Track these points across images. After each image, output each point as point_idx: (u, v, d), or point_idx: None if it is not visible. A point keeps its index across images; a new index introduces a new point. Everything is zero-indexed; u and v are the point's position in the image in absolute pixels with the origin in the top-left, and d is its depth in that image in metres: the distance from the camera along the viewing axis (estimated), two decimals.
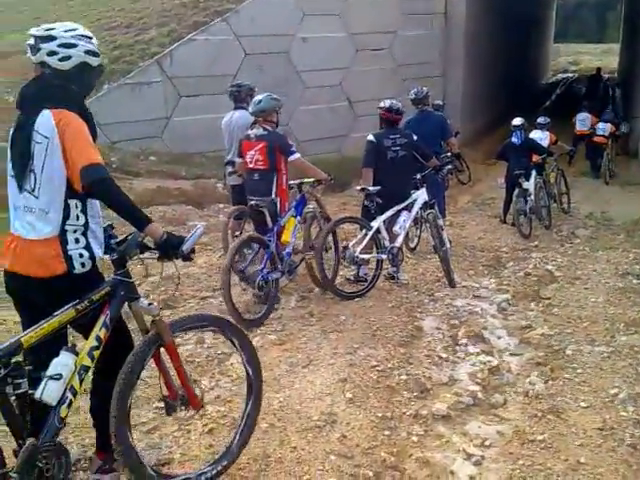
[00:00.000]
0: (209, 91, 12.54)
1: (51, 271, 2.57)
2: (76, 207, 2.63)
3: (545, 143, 11.11)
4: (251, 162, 5.78)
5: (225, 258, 5.54)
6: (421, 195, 6.42)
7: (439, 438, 3.64)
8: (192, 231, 2.80)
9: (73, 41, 2.65)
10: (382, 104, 6.50)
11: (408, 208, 6.32)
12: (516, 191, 9.53)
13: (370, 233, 5.98)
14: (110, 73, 12.78)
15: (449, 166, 6.91)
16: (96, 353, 2.62)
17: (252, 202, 5.74)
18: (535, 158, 10.12)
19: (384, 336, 4.96)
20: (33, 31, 2.63)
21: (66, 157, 2.54)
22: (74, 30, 2.69)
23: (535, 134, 11.31)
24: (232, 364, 4.42)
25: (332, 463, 3.28)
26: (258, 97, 5.87)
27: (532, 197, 9.63)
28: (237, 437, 3.14)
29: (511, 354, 4.89)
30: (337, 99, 14.79)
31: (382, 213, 6.10)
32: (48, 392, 2.40)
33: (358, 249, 5.88)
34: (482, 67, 18.50)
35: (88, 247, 2.67)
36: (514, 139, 10.10)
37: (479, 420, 3.86)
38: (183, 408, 2.98)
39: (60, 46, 2.62)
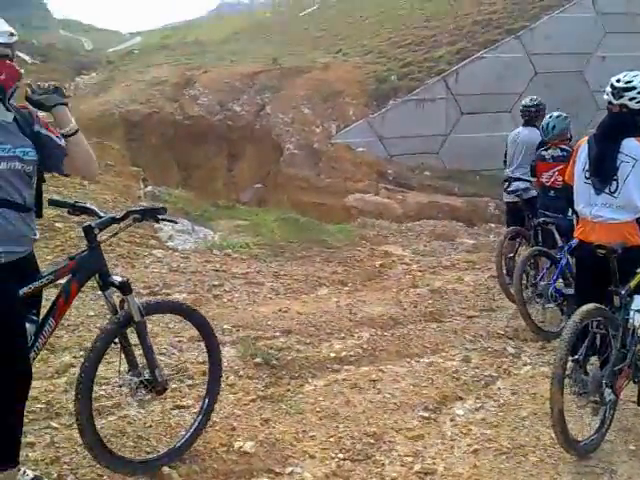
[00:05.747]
0: (492, 109, 12.40)
1: (631, 242, 3.61)
2: None
3: None
4: (548, 181, 5.75)
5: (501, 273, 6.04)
6: None
7: None
8: None
9: None
10: None
11: None
12: None
13: None
14: (396, 89, 13.39)
15: None
16: None
17: (540, 219, 5.59)
18: None
19: None
20: (615, 83, 3.69)
21: None
22: None
23: None
24: (499, 389, 4.23)
25: None
26: (548, 120, 5.74)
27: None
28: None
29: None
30: None
31: None
32: (636, 319, 3.53)
33: None
34: None
35: None
36: None
37: None
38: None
39: (639, 93, 3.63)
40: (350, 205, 11.26)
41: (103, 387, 3.59)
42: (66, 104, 2.65)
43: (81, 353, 4.10)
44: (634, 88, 3.66)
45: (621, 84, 3.68)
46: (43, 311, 2.79)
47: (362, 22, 19.65)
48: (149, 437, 3.28)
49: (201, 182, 12.17)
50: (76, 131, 2.67)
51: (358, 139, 12.58)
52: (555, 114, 5.74)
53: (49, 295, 2.90)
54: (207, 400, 3.26)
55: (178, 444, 3.11)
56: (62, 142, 2.66)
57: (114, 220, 2.87)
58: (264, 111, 13.48)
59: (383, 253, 8.23)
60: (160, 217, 3.04)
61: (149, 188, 9.47)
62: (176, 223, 6.40)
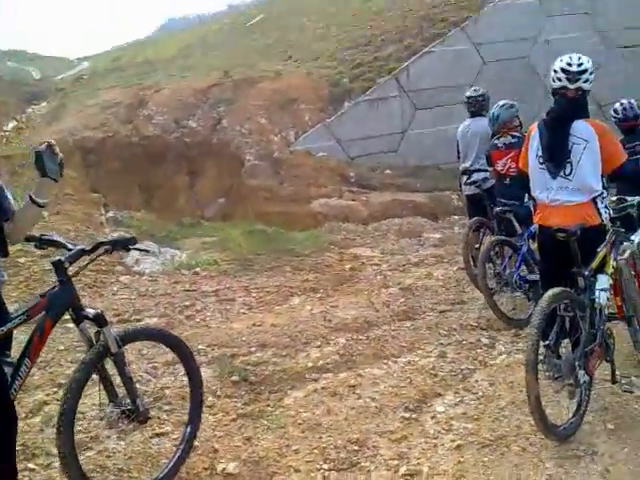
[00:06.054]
0: (445, 102, 12.52)
1: (590, 222, 3.68)
2: (602, 183, 3.78)
3: None
4: (503, 169, 5.83)
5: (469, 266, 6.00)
6: None
7: None
8: None
9: (592, 68, 3.77)
10: (613, 111, 5.94)
11: None
12: None
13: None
14: (349, 92, 13.43)
15: None
16: (612, 277, 3.79)
17: (498, 208, 5.68)
18: None
19: None
20: (567, 67, 3.72)
21: (604, 153, 3.67)
22: (589, 60, 3.78)
23: None
24: (477, 381, 4.28)
25: None
26: (494, 110, 5.88)
27: None
28: None
29: None
30: None
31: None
32: (601, 298, 3.61)
33: None
34: None
35: (605, 207, 3.82)
36: None
37: None
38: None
39: (590, 74, 3.75)
40: (315, 211, 11.24)
41: (80, 421, 3.52)
42: (57, 182, 2.77)
43: (55, 390, 4.03)
44: (586, 70, 3.74)
45: (574, 68, 3.74)
46: (16, 351, 2.75)
47: (309, 27, 19.68)
48: (130, 469, 3.24)
49: (163, 202, 12.02)
50: (45, 206, 2.75)
51: (317, 144, 12.58)
52: (501, 103, 5.87)
53: (16, 334, 2.85)
54: (189, 427, 3.21)
55: (161, 475, 3.07)
56: (11, 201, 2.73)
57: (84, 252, 2.85)
58: (220, 125, 13.37)
59: (352, 256, 8.25)
60: (131, 247, 3.02)
61: (111, 213, 9.33)
62: (148, 252, 6.34)
